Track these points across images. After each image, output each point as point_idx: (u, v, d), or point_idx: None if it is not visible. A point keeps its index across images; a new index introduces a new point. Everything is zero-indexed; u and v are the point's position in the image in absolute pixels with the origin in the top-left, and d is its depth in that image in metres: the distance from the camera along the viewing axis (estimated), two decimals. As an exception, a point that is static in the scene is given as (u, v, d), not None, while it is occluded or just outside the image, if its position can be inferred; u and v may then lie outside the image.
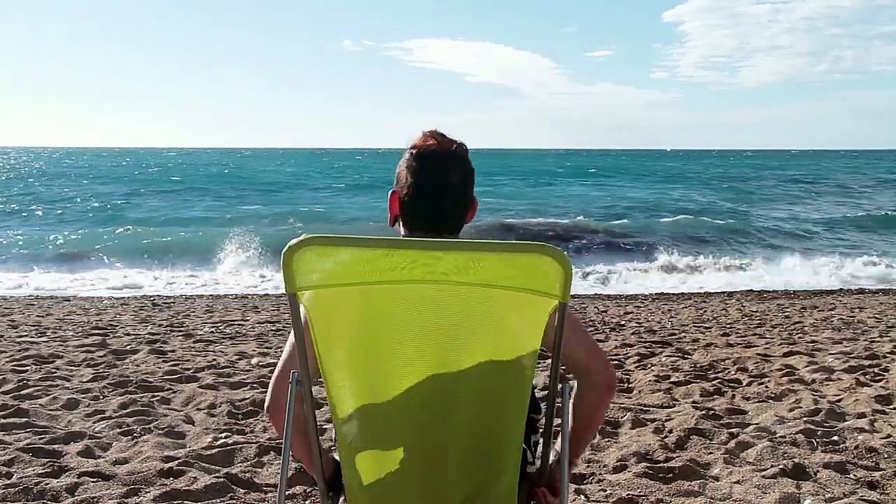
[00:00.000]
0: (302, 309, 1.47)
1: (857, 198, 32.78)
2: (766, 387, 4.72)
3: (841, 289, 12.73)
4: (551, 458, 1.68)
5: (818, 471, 3.19)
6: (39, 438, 3.60)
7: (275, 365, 5.69)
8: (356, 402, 1.54)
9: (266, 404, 1.67)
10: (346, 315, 1.48)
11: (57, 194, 32.39)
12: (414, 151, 1.68)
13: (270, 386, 1.65)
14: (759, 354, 5.78)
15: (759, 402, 4.39)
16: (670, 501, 2.96)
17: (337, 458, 1.68)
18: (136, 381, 4.79)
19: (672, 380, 4.96)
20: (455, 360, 1.48)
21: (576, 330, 1.63)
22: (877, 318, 8.18)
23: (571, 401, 1.62)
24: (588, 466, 3.35)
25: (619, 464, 3.33)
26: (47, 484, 2.97)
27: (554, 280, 1.40)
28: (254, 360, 5.54)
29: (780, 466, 3.20)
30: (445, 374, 1.48)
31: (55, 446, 3.49)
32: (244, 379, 4.91)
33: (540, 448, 1.71)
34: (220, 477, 3.09)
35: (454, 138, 1.73)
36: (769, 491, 2.99)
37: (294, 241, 1.40)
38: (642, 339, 6.75)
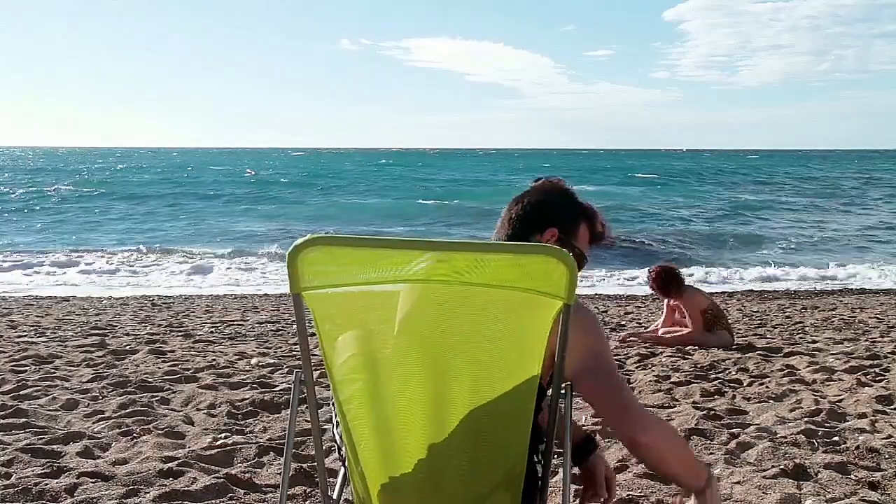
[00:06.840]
0: (306, 309, 1.46)
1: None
2: (767, 387, 4.71)
3: (842, 289, 12.73)
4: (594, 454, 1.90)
5: (819, 471, 3.18)
6: (38, 439, 3.59)
7: (275, 365, 5.65)
8: (360, 405, 1.52)
9: None
10: (350, 316, 1.46)
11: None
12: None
13: None
14: (759, 355, 5.78)
15: (759, 402, 4.38)
16: (671, 502, 2.95)
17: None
18: (135, 381, 4.78)
19: (672, 380, 4.95)
20: (460, 363, 1.46)
21: (603, 382, 1.69)
22: (878, 318, 8.17)
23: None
24: (589, 467, 3.34)
25: (619, 464, 3.32)
26: (46, 484, 2.96)
27: (559, 281, 1.39)
28: (253, 361, 5.53)
29: (781, 467, 3.19)
30: (449, 378, 1.46)
31: (54, 446, 3.48)
32: (244, 379, 4.90)
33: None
34: (219, 477, 3.08)
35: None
36: (770, 491, 2.98)
37: (299, 240, 1.38)
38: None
